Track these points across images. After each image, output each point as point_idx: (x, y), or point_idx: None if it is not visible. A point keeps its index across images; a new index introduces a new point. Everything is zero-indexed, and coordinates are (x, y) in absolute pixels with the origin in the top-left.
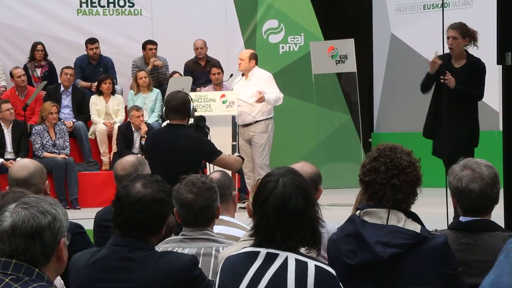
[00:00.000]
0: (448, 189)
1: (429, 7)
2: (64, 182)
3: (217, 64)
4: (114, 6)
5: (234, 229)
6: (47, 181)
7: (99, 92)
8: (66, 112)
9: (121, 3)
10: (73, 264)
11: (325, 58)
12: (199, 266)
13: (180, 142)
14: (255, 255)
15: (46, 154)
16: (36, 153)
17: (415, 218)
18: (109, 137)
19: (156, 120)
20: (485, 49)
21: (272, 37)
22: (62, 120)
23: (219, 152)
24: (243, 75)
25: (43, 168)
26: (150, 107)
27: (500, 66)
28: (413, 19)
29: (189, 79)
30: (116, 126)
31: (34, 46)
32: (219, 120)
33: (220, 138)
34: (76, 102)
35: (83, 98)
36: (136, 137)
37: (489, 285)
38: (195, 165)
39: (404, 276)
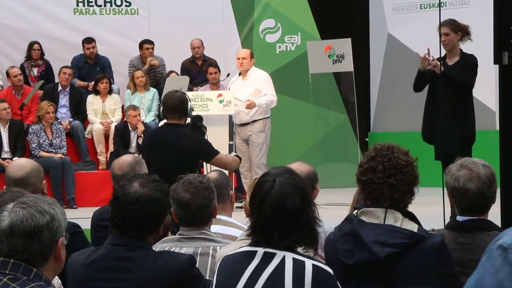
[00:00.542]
0: (445, 189)
1: (425, 6)
2: (61, 182)
3: (214, 64)
4: (111, 6)
5: (231, 229)
6: (44, 181)
7: (96, 92)
8: (63, 112)
9: (118, 2)
10: (71, 263)
11: (322, 58)
12: (197, 265)
13: (178, 142)
14: (252, 254)
15: (43, 153)
16: (33, 152)
17: (412, 217)
18: (106, 137)
19: (153, 120)
20: (482, 48)
21: (269, 36)
22: (58, 120)
23: (216, 152)
24: (240, 74)
25: (40, 168)
26: (147, 106)
27: (497, 65)
28: (409, 19)
29: (186, 79)
30: (113, 126)
31: (31, 46)
32: (216, 120)
33: (217, 137)
34: (74, 102)
35: (81, 98)
36: (133, 136)
37: (472, 286)
38: (192, 164)
39: (401, 276)
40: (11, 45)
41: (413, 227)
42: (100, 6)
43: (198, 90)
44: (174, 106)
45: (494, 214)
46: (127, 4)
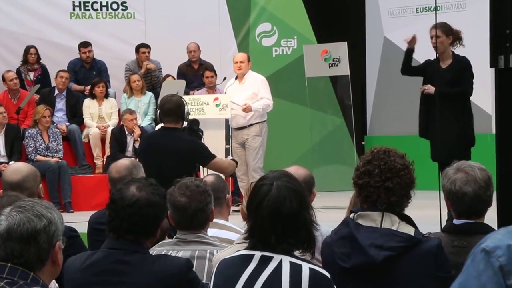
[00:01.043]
0: (441, 192)
1: (421, 10)
2: (57, 186)
3: (210, 67)
4: (107, 10)
5: (228, 232)
6: (40, 185)
7: (92, 96)
8: (60, 116)
9: (114, 6)
10: (68, 267)
11: (318, 61)
12: (194, 269)
13: (174, 146)
14: (249, 258)
15: (39, 157)
16: (29, 156)
17: (409, 221)
18: (103, 141)
19: (150, 124)
20: (478, 52)
21: (265, 40)
22: (55, 124)
23: (213, 156)
24: (236, 78)
25: (36, 172)
26: (143, 110)
27: (493, 69)
28: (406, 22)
29: (183, 82)
30: (109, 130)
31: (27, 50)
32: (213, 123)
33: (214, 141)
34: (70, 106)
35: (77, 102)
36: (130, 140)
37: None
38: (189, 168)
39: (398, 279)
40: (7, 49)
41: (410, 231)
42: (97, 10)
43: (194, 94)
44: (171, 110)
45: (491, 218)
46: (124, 8)
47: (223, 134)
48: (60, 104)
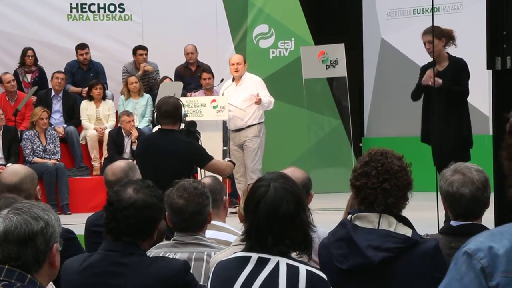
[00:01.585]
0: (439, 194)
1: (419, 12)
2: (54, 188)
3: (208, 69)
4: (105, 12)
5: (225, 234)
6: (38, 187)
7: (90, 98)
8: (57, 117)
9: (112, 8)
10: (65, 269)
11: (316, 63)
12: (191, 271)
13: (172, 147)
14: (246, 259)
15: (36, 159)
16: (26, 158)
17: (406, 222)
18: (100, 142)
19: (147, 125)
20: (475, 53)
21: (262, 42)
22: (52, 126)
23: (211, 157)
24: (233, 80)
25: (34, 174)
26: (140, 112)
27: (490, 70)
28: (403, 24)
29: (180, 84)
30: (106, 131)
31: (25, 52)
32: (210, 125)
33: (211, 143)
34: (67, 107)
35: (74, 103)
36: (127, 142)
37: None
38: (186, 170)
39: (395, 280)
40: (5, 51)
41: (407, 232)
42: (94, 12)
43: (191, 95)
44: (168, 112)
45: (488, 219)
46: (121, 10)
47: (221, 136)
48: (57, 105)
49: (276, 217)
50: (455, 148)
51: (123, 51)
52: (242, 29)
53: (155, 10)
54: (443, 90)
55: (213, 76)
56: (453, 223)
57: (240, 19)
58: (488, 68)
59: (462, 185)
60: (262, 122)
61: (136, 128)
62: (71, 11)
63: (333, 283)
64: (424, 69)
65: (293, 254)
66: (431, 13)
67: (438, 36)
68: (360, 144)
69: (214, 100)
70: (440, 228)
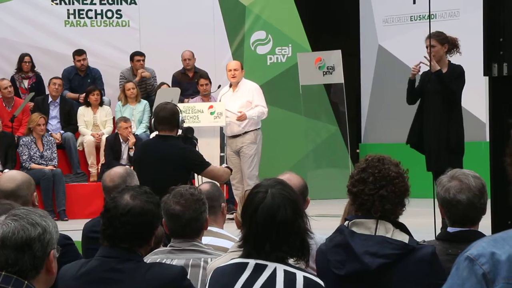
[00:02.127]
0: (436, 200)
1: (416, 18)
2: (51, 194)
3: (205, 75)
4: (102, 18)
5: (222, 240)
6: (35, 193)
7: (87, 104)
8: (54, 123)
9: (109, 14)
10: (62, 275)
11: (313, 69)
12: (188, 277)
13: (169, 153)
14: (243, 266)
15: (33, 165)
16: (23, 164)
17: (403, 228)
18: (97, 149)
19: (144, 132)
20: (472, 60)
21: (260, 48)
22: (49, 132)
23: (208, 164)
24: (230, 86)
25: (31, 180)
26: (138, 118)
27: (487, 77)
28: (400, 31)
29: (177, 90)
30: (104, 138)
31: (22, 58)
32: (207, 131)
33: (208, 149)
34: (64, 113)
35: (71, 109)
36: (124, 148)
37: None
38: (183, 176)
39: (392, 287)
40: (2, 57)
41: (404, 238)
42: (91, 18)
43: (189, 101)
44: (166, 118)
45: (485, 225)
46: (118, 16)
47: (218, 142)
48: (54, 111)
49: (273, 224)
50: (447, 154)
51: (120, 57)
52: (240, 35)
53: (153, 16)
54: (439, 77)
55: (210, 82)
56: (450, 229)
57: (238, 25)
58: (484, 74)
59: (459, 192)
60: (259, 128)
61: (134, 134)
62: (68, 17)
63: None
64: (423, 75)
65: (291, 261)
66: (428, 20)
67: (441, 42)
68: (357, 150)
69: (211, 106)
70: (437, 234)
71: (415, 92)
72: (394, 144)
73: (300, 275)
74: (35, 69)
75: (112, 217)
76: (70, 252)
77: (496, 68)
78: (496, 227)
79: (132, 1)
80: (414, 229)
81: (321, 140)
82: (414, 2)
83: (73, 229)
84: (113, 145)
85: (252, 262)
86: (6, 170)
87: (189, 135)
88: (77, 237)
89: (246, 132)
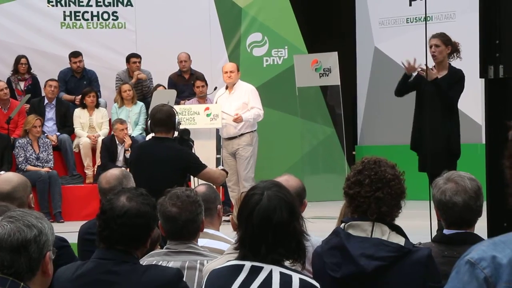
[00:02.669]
0: (432, 202)
1: (412, 20)
2: (47, 196)
3: (201, 77)
4: (98, 19)
5: (218, 242)
6: (31, 195)
7: (83, 105)
8: (50, 125)
9: (105, 16)
10: (58, 277)
11: (309, 71)
12: (184, 279)
13: (165, 155)
14: (239, 268)
15: (29, 167)
16: (19, 166)
17: (399, 231)
18: (93, 150)
19: (140, 133)
20: (468, 62)
21: (256, 50)
22: (45, 134)
23: (204, 166)
24: (226, 88)
25: (27, 182)
26: (134, 120)
27: (483, 79)
28: (396, 33)
29: (173, 92)
30: (100, 139)
31: (18, 59)
32: (203, 133)
33: (204, 151)
34: (60, 115)
35: (67, 111)
36: (120, 150)
37: None
38: (179, 178)
39: None
40: None
41: (400, 241)
42: (87, 20)
43: (185, 103)
44: (162, 120)
45: (481, 228)
46: (114, 18)
47: (214, 144)
48: (50, 113)
49: (269, 226)
50: (443, 156)
51: (116, 59)
52: (236, 37)
53: (149, 18)
54: (436, 84)
55: (206, 84)
56: (446, 231)
57: (234, 27)
58: (480, 77)
59: (455, 194)
60: (254, 130)
61: (130, 136)
62: (64, 19)
63: None
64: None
65: (287, 263)
66: (424, 22)
67: (445, 43)
68: (354, 152)
69: (207, 108)
70: (433, 236)
71: (406, 86)
72: (391, 146)
73: (296, 277)
74: (31, 71)
75: (108, 219)
76: (66, 254)
77: (492, 70)
78: (492, 229)
79: (128, 3)
80: (410, 231)
81: (317, 142)
82: (410, 4)
83: (69, 231)
84: (109, 147)
85: (248, 264)
86: (2, 172)
87: (185, 137)
88: (73, 239)
89: (242, 134)
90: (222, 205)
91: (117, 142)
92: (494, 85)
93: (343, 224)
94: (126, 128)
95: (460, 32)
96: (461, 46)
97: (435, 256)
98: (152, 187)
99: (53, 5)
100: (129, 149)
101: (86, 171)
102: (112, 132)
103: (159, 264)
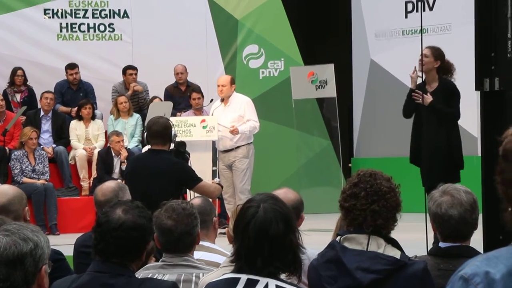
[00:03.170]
0: (427, 215)
1: (407, 33)
2: (43, 208)
3: (198, 89)
4: (95, 31)
5: (214, 255)
6: (26, 207)
7: (79, 117)
8: (46, 137)
9: (102, 28)
10: None
11: (305, 83)
12: None
13: (161, 168)
14: (235, 281)
15: (25, 179)
16: (15, 178)
17: (395, 244)
18: (89, 162)
19: (136, 145)
20: (464, 74)
21: (252, 62)
22: (41, 146)
23: (199, 179)
24: (222, 100)
25: (22, 194)
26: (130, 132)
27: (479, 92)
28: (392, 45)
29: (170, 104)
30: (96, 151)
31: (14, 71)
32: (199, 146)
33: (200, 163)
34: (56, 127)
35: (63, 123)
36: (116, 162)
37: None
38: (175, 191)
39: None
40: None
41: (396, 254)
42: (84, 31)
43: (181, 115)
44: (158, 132)
45: (476, 241)
46: (111, 29)
47: (210, 156)
48: (46, 125)
49: (265, 238)
50: (444, 169)
51: (112, 70)
52: (232, 49)
53: (145, 30)
54: (434, 109)
55: (202, 96)
56: (441, 244)
57: (230, 39)
58: (476, 89)
59: (451, 207)
60: (251, 142)
61: (126, 148)
62: (61, 31)
63: None
64: (419, 89)
65: (283, 276)
66: (420, 34)
67: (434, 55)
68: (350, 165)
69: (203, 120)
70: (428, 249)
71: (412, 106)
72: (387, 158)
73: None
74: (28, 82)
75: (104, 232)
76: (62, 267)
77: (487, 83)
78: (488, 243)
79: (125, 15)
80: (406, 244)
81: (313, 154)
82: (406, 17)
83: (65, 243)
84: (105, 159)
85: (244, 277)
86: None
87: (181, 149)
88: (69, 251)
89: (238, 147)
90: (218, 217)
91: (113, 154)
92: (490, 97)
93: (338, 237)
94: (122, 140)
95: (456, 45)
96: (455, 68)
97: (430, 269)
98: (148, 200)
99: (49, 17)
100: (125, 161)
101: (82, 183)
102: (108, 144)
103: (155, 277)
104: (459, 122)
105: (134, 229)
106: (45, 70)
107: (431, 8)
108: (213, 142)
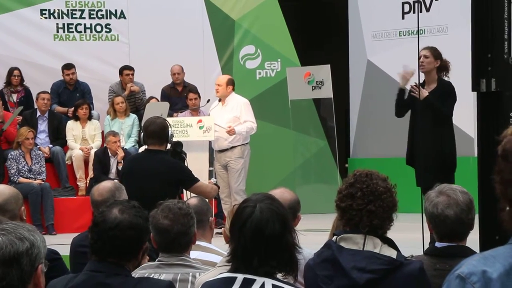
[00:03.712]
0: (424, 215)
1: (404, 34)
2: (40, 208)
3: (194, 90)
4: (91, 32)
5: (211, 255)
6: (23, 207)
7: (76, 118)
8: (43, 138)
9: (98, 28)
10: None
11: (302, 84)
12: None
13: (158, 168)
14: (232, 280)
15: (22, 179)
16: (11, 178)
17: (391, 243)
18: (86, 163)
19: (133, 146)
20: (460, 75)
21: (249, 62)
22: (38, 146)
23: (196, 180)
24: (219, 100)
25: (19, 194)
26: (127, 132)
27: (475, 92)
28: (389, 46)
29: (166, 105)
30: (92, 152)
31: (11, 72)
32: (196, 146)
33: (197, 163)
34: (53, 127)
35: (60, 123)
36: (113, 162)
37: None
38: (172, 191)
39: None
40: None
41: (392, 253)
42: (80, 32)
43: (178, 116)
44: (155, 132)
45: (473, 241)
46: (107, 30)
47: (207, 156)
48: (43, 125)
49: (262, 238)
50: (438, 170)
51: (109, 71)
52: (229, 50)
53: (142, 31)
54: (428, 102)
55: (199, 97)
56: (438, 244)
57: (227, 40)
58: (473, 90)
59: (447, 207)
60: (246, 143)
61: (122, 148)
62: (57, 31)
63: None
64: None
65: (279, 275)
66: (417, 35)
67: (434, 55)
68: (346, 165)
69: (200, 121)
70: (425, 249)
71: (404, 103)
72: (383, 158)
73: None
74: (24, 83)
75: (101, 231)
76: (58, 267)
77: (484, 84)
78: (484, 242)
79: (122, 15)
80: (402, 244)
81: (310, 154)
82: (403, 18)
83: (62, 243)
84: (101, 159)
85: (240, 277)
86: None
87: (178, 149)
88: (65, 251)
89: (233, 147)
90: (214, 217)
91: (110, 155)
92: (486, 98)
93: (335, 237)
94: (119, 141)
95: (453, 46)
96: (451, 65)
97: (427, 269)
98: (145, 200)
99: (46, 17)
100: (122, 161)
101: (78, 183)
102: (104, 144)
103: (151, 276)
104: (456, 122)
105: (131, 229)
106: (41, 70)
107: (427, 9)
108: (210, 142)
